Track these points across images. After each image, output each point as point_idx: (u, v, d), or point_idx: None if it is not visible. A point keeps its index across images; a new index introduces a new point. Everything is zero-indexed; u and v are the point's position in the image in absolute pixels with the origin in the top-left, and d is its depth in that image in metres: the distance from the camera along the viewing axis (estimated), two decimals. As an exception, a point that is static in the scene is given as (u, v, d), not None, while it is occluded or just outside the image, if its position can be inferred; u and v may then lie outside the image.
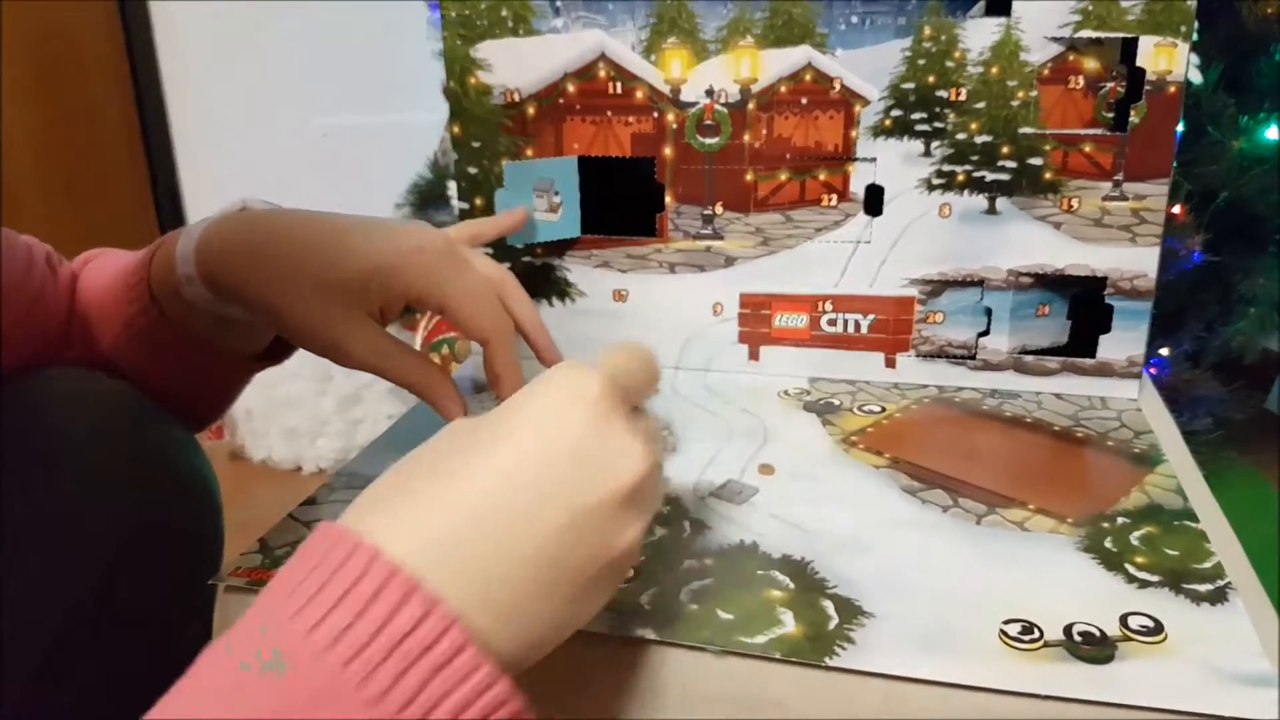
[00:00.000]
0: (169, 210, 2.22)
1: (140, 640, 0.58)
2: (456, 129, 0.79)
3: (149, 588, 0.58)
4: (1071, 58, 0.69)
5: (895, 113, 0.73)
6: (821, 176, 0.75)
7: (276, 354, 0.67)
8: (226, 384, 0.69)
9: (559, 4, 0.75)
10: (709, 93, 0.75)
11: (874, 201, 0.75)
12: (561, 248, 0.80)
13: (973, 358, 0.76)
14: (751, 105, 0.75)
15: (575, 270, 0.81)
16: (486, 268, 0.61)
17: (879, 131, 0.73)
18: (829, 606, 0.49)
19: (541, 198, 0.79)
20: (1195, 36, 0.67)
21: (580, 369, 0.42)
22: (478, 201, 0.80)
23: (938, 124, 0.72)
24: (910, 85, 0.72)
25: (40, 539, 0.54)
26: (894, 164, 0.73)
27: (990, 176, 0.72)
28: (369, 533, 0.35)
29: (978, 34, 0.70)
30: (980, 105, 0.71)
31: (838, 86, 0.73)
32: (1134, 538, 0.55)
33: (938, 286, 0.75)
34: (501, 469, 0.38)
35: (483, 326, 0.58)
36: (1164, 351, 1.33)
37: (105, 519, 0.56)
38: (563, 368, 0.43)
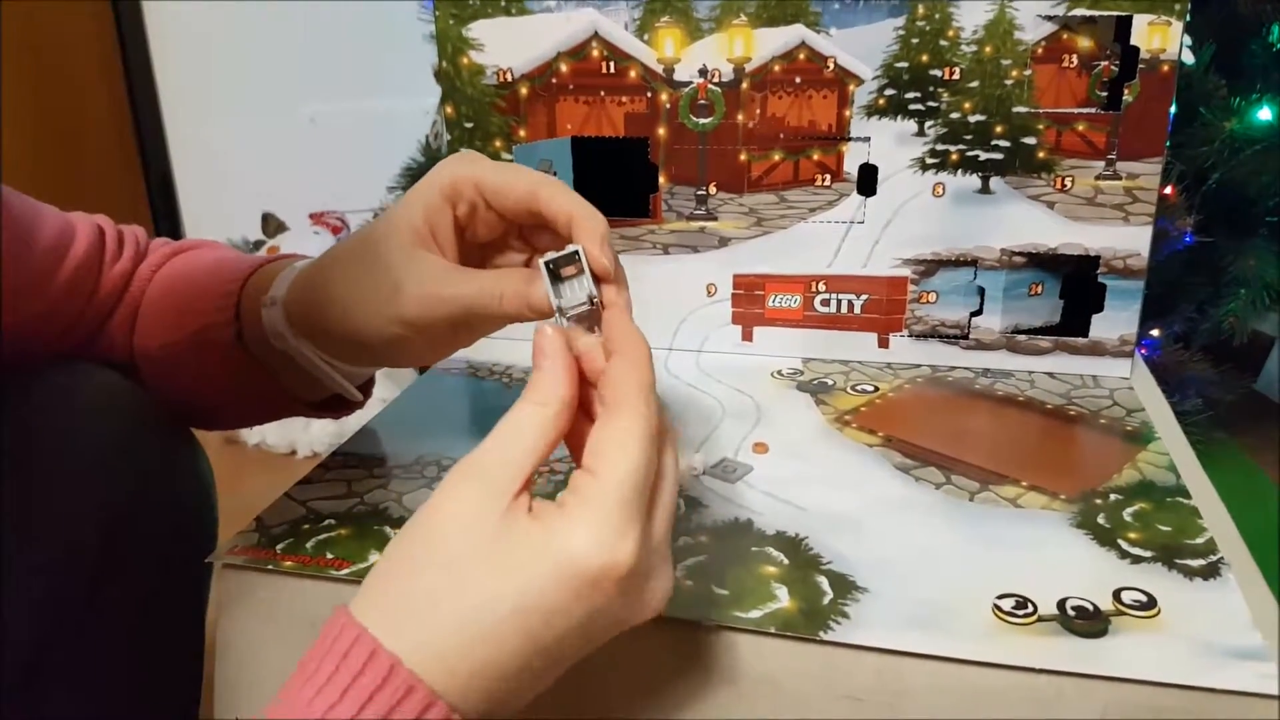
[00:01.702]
0: (161, 200, 2.21)
1: (129, 639, 0.58)
2: (449, 109, 0.79)
3: (137, 589, 0.58)
4: (1065, 36, 0.69)
5: (889, 92, 0.72)
6: (815, 156, 0.75)
7: (334, 406, 0.63)
8: (267, 414, 0.65)
9: (552, -17, 0.75)
10: (702, 72, 0.75)
11: (867, 181, 0.74)
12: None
13: (966, 337, 0.76)
14: (745, 85, 0.74)
15: (569, 251, 0.81)
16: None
17: (873, 111, 0.73)
18: (823, 582, 0.49)
19: (541, 179, 0.79)
20: (1187, 17, 0.67)
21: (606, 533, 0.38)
22: (471, 182, 0.80)
23: (931, 103, 0.72)
24: (904, 64, 0.72)
25: (26, 535, 0.54)
26: (888, 143, 0.73)
27: (984, 156, 0.72)
28: (385, 638, 0.37)
29: (971, 13, 0.70)
30: (974, 84, 0.71)
31: (831, 65, 0.73)
32: (1127, 514, 0.55)
33: (931, 266, 0.75)
34: (521, 605, 0.37)
35: (547, 194, 0.48)
36: (1154, 332, 1.33)
37: (92, 517, 0.56)
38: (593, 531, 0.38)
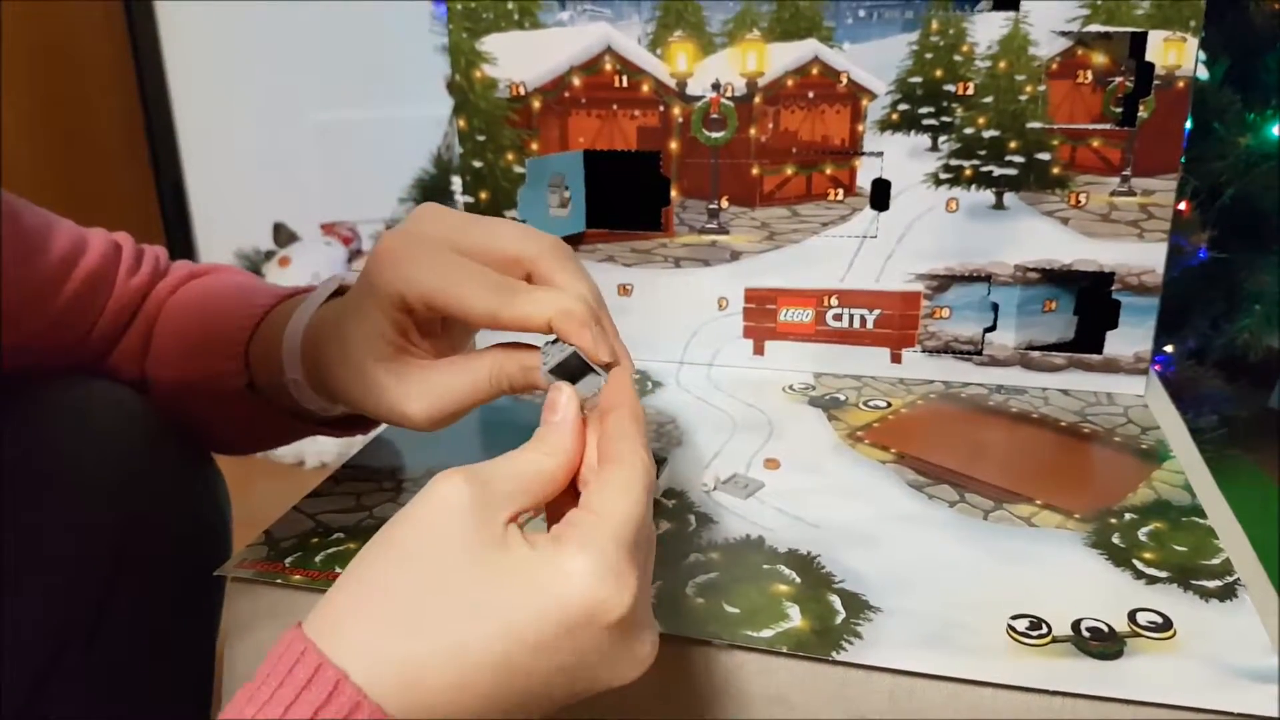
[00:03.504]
0: (173, 209, 2.22)
1: (140, 653, 0.58)
2: (462, 122, 0.79)
3: (149, 606, 0.58)
4: (1080, 52, 0.69)
5: (902, 107, 0.72)
6: (828, 171, 0.75)
7: (349, 425, 0.62)
8: (282, 442, 0.66)
9: (565, -3, 0.75)
10: (715, 86, 0.75)
11: (880, 196, 0.74)
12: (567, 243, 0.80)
13: (979, 353, 0.76)
14: (758, 99, 0.74)
15: (580, 264, 0.81)
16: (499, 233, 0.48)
17: (886, 126, 0.73)
18: (836, 601, 0.49)
19: (554, 193, 0.79)
20: (1202, 33, 0.67)
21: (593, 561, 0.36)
22: (483, 195, 0.80)
23: (945, 118, 0.72)
24: (918, 79, 0.71)
25: (39, 549, 0.54)
26: (901, 158, 0.73)
27: (998, 171, 0.72)
28: (347, 661, 0.34)
29: (986, 28, 0.70)
30: (988, 100, 0.71)
31: (845, 80, 0.73)
32: (1142, 533, 0.55)
33: (944, 282, 0.75)
34: (506, 630, 0.35)
35: (478, 302, 0.45)
36: (1168, 348, 1.32)
37: (104, 533, 0.56)
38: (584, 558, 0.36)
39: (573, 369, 0.44)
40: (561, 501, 0.40)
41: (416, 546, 0.36)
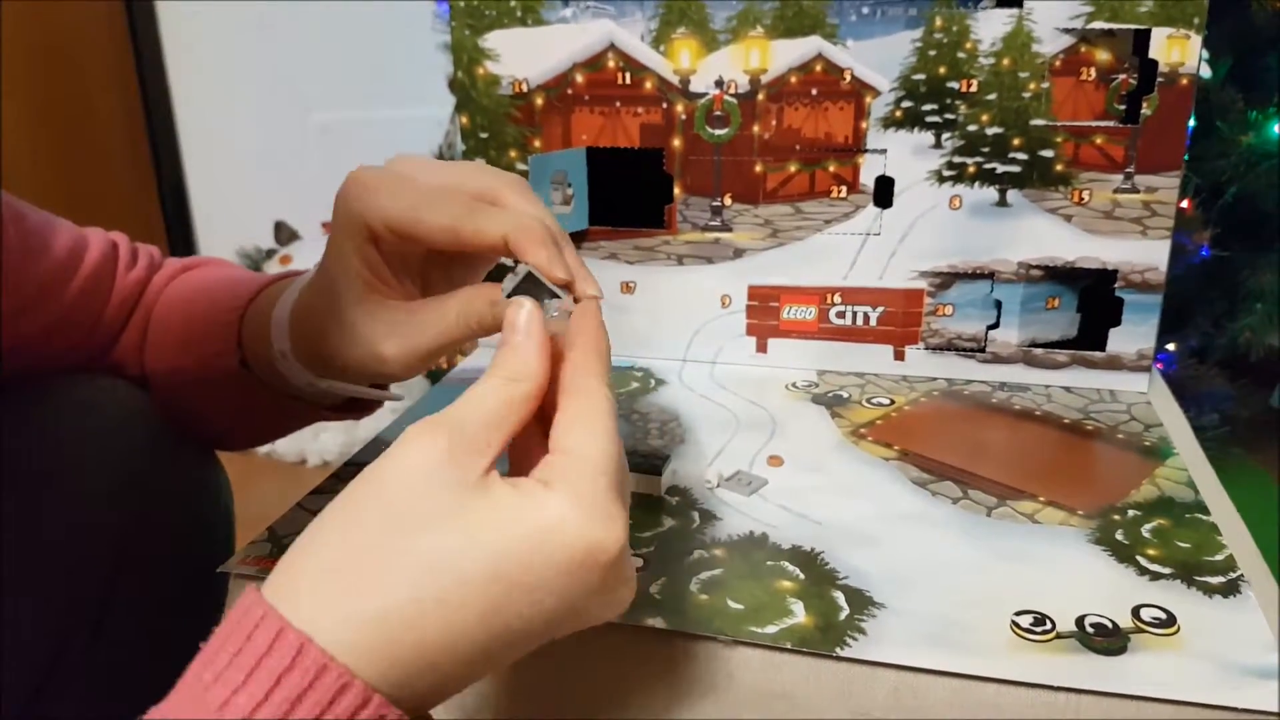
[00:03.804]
0: (174, 207, 2.22)
1: (143, 650, 0.58)
2: (465, 120, 0.79)
3: (153, 602, 0.58)
4: (1083, 49, 0.69)
5: (906, 104, 0.72)
6: (831, 168, 0.75)
7: (352, 409, 0.63)
8: (281, 431, 0.65)
9: (568, -6, 0.75)
10: (718, 83, 0.75)
11: (884, 193, 0.74)
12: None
13: (982, 350, 0.76)
14: (761, 96, 0.74)
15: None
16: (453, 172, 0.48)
17: (889, 123, 0.73)
18: (839, 597, 0.49)
19: (556, 190, 0.79)
20: (1205, 31, 0.67)
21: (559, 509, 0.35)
22: (485, 192, 0.80)
23: (948, 115, 0.72)
24: (921, 76, 0.71)
25: (43, 545, 0.54)
26: (904, 156, 0.73)
27: (1001, 168, 0.72)
28: (305, 622, 0.33)
29: (989, 25, 0.70)
30: (991, 97, 0.71)
31: (848, 77, 0.73)
32: (1145, 530, 0.55)
33: (947, 279, 0.75)
34: (495, 573, 0.34)
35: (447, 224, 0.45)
36: (1170, 347, 1.32)
37: (109, 530, 0.56)
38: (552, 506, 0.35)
39: (532, 292, 0.43)
40: (526, 431, 0.39)
41: (396, 503, 0.35)
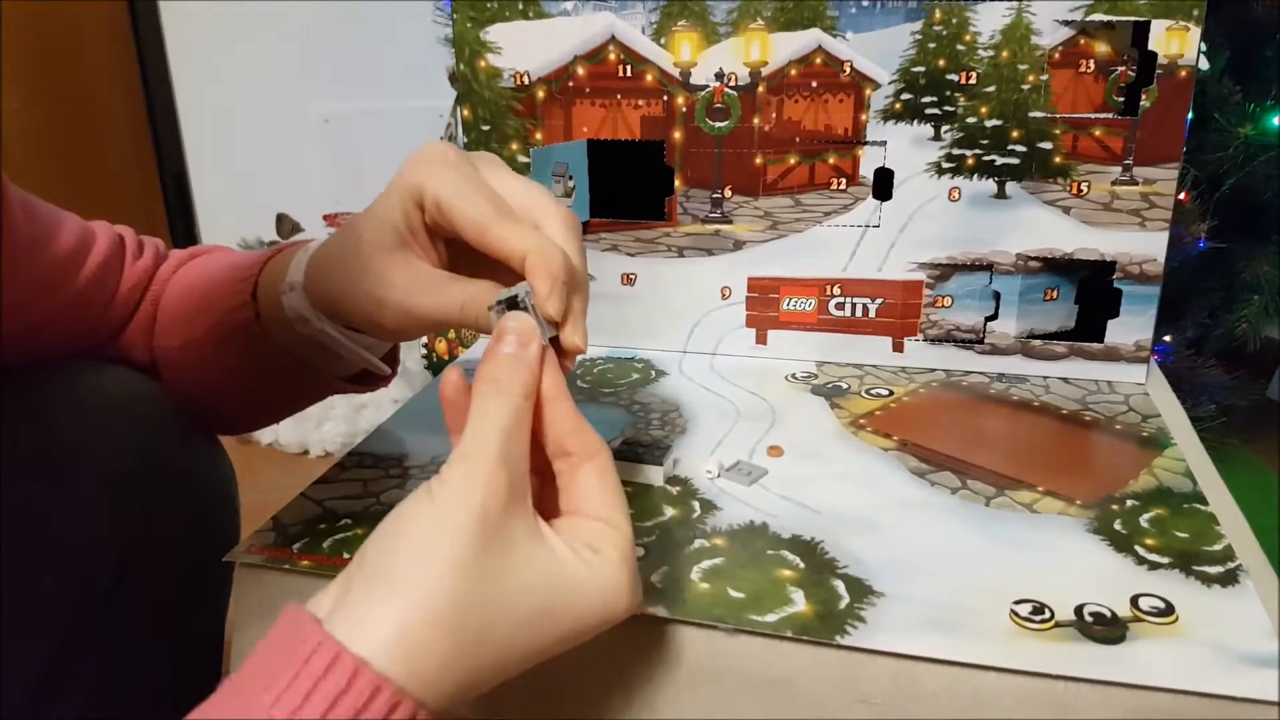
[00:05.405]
0: (176, 199, 2.22)
1: (148, 637, 0.58)
2: (466, 112, 0.79)
3: (158, 588, 0.59)
4: (1083, 41, 0.69)
5: (905, 96, 0.72)
6: (831, 160, 0.75)
7: (361, 380, 0.63)
8: (291, 403, 0.65)
9: (569, -14, 0.75)
10: (719, 76, 0.75)
11: (883, 185, 0.75)
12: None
13: (981, 342, 0.76)
14: (761, 88, 0.75)
15: (583, 253, 0.81)
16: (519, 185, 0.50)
17: (889, 115, 0.73)
18: (839, 586, 0.49)
19: (558, 183, 0.79)
20: (1204, 22, 0.67)
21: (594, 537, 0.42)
22: (486, 184, 0.80)
23: (948, 108, 0.72)
24: (920, 69, 0.72)
25: (49, 532, 0.54)
26: (903, 148, 0.73)
27: (1000, 160, 0.72)
28: (352, 642, 0.35)
29: (989, 17, 0.70)
30: (990, 89, 0.71)
31: (848, 70, 0.73)
32: (1143, 520, 0.55)
33: (946, 270, 0.75)
34: (541, 626, 0.39)
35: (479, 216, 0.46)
36: (1167, 338, 1.33)
37: (114, 515, 0.56)
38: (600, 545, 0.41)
39: (519, 309, 0.44)
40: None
41: (480, 552, 0.38)
